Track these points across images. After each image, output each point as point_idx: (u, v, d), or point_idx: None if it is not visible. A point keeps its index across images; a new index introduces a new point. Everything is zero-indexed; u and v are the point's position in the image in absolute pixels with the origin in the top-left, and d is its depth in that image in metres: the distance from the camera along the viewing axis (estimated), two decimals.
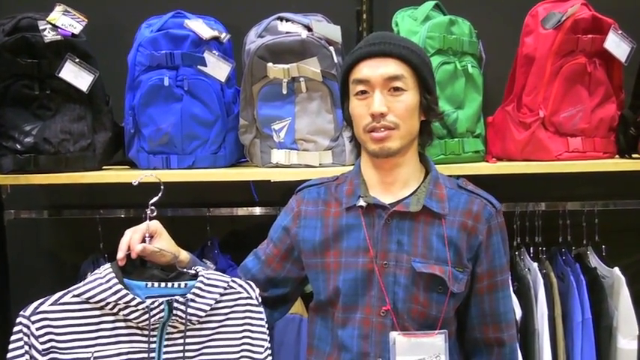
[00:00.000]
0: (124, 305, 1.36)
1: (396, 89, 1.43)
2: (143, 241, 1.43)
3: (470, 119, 1.99)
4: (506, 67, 2.07)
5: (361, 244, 1.47)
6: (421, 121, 1.50)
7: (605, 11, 1.95)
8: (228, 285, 1.45)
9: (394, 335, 1.43)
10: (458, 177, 1.60)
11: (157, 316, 1.37)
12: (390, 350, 1.44)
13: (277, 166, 1.99)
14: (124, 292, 1.36)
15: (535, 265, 2.08)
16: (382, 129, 1.43)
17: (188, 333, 1.41)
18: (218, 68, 1.96)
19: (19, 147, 1.96)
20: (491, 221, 1.49)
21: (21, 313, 1.34)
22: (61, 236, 2.43)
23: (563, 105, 1.95)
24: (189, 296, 1.40)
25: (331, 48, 1.90)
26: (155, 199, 1.47)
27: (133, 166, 2.07)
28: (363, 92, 1.45)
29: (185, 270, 1.45)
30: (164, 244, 1.45)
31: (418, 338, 1.44)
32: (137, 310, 1.37)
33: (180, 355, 1.41)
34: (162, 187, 1.49)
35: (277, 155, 1.99)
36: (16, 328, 1.33)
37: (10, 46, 1.89)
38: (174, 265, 1.45)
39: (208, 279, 1.43)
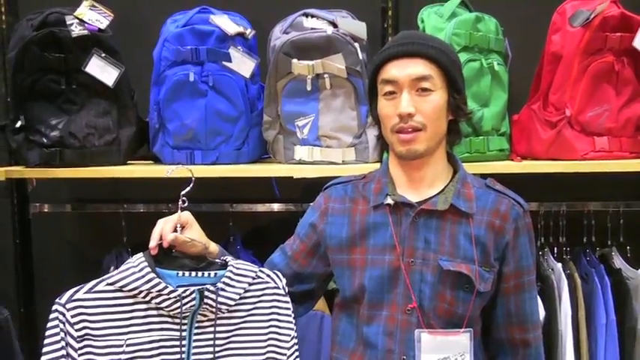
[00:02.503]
0: (157, 293, 1.38)
1: (424, 90, 1.42)
2: (175, 231, 1.44)
3: (495, 117, 1.97)
4: (533, 65, 2.06)
5: (388, 241, 1.48)
6: (449, 120, 1.49)
7: (634, 9, 1.93)
8: (256, 275, 1.47)
9: (420, 333, 1.43)
10: (484, 176, 1.59)
11: (189, 305, 1.40)
12: (415, 347, 1.43)
13: (300, 162, 2.00)
14: (157, 280, 1.38)
15: (559, 265, 2.06)
16: (410, 130, 1.42)
17: (218, 321, 1.43)
18: (243, 64, 1.97)
19: (45, 141, 1.99)
20: (518, 221, 1.48)
21: (57, 300, 1.37)
22: (84, 230, 2.45)
23: (590, 104, 1.93)
24: (220, 285, 1.42)
25: (356, 44, 1.89)
26: (186, 189, 1.48)
27: (157, 161, 2.08)
28: (391, 92, 1.45)
29: (215, 260, 1.47)
30: (195, 234, 1.47)
31: (443, 336, 1.44)
32: (169, 299, 1.39)
33: (211, 342, 1.43)
34: (193, 178, 1.50)
35: (300, 152, 1.99)
36: (52, 316, 1.36)
37: (38, 41, 1.92)
38: (204, 256, 1.48)
39: (237, 269, 1.45)
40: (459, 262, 1.44)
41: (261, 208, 2.30)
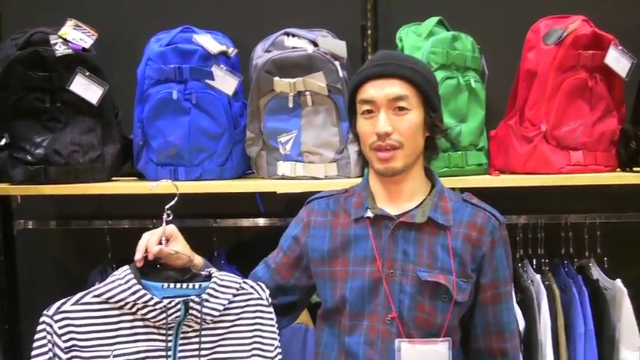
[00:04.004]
0: (142, 305, 1.41)
1: (401, 109, 1.47)
2: (160, 243, 1.47)
3: (473, 133, 2.01)
4: (509, 82, 2.11)
5: (368, 253, 1.51)
6: (426, 137, 1.53)
7: (605, 27, 1.98)
8: (240, 286, 1.51)
9: (399, 342, 1.47)
10: (463, 190, 1.63)
11: (174, 316, 1.42)
12: (396, 357, 1.47)
13: (283, 177, 2.02)
14: (143, 292, 1.41)
15: (538, 276, 2.10)
16: (388, 147, 1.47)
17: (202, 332, 1.46)
18: (225, 82, 1.99)
19: (29, 158, 1.99)
20: (494, 234, 1.52)
21: (44, 312, 1.39)
22: (69, 246, 2.46)
23: (565, 119, 1.98)
24: (204, 296, 1.45)
25: (337, 63, 1.93)
26: (171, 203, 1.51)
27: (142, 177, 2.10)
28: (369, 112, 1.50)
29: (199, 272, 1.50)
30: (180, 247, 1.50)
31: (423, 345, 1.47)
32: (155, 310, 1.41)
33: (196, 352, 1.46)
34: (177, 192, 1.54)
35: (283, 167, 2.02)
36: (39, 327, 1.38)
37: (22, 60, 1.94)
38: (189, 268, 1.50)
39: (222, 280, 1.49)
40: (437, 272, 1.48)
41: (244, 223, 2.32)
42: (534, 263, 2.20)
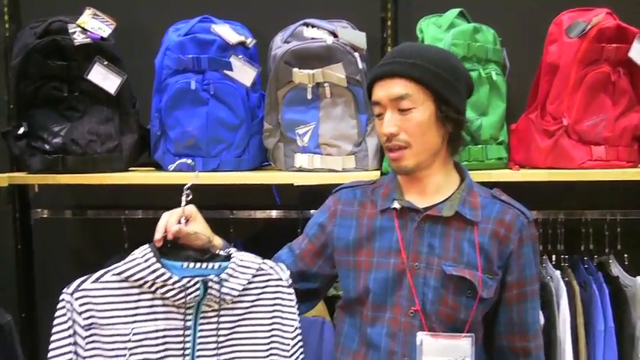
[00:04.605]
0: (162, 284, 1.41)
1: (405, 108, 1.46)
2: (179, 223, 1.47)
3: (493, 126, 1.99)
4: (530, 75, 2.08)
5: (393, 245, 1.50)
6: (448, 129, 1.50)
7: (629, 20, 1.95)
8: (259, 267, 1.50)
9: (421, 335, 1.46)
10: (483, 184, 1.61)
11: (193, 295, 1.42)
12: (417, 350, 1.46)
13: (300, 170, 2.01)
14: (162, 270, 1.41)
15: (557, 273, 2.08)
16: (396, 148, 1.48)
17: (221, 312, 1.46)
18: (244, 73, 1.98)
19: (47, 147, 2.00)
20: (523, 231, 1.50)
21: (64, 290, 1.40)
22: (86, 236, 2.47)
23: (587, 113, 1.95)
24: (223, 276, 1.44)
25: (356, 54, 1.91)
26: (190, 183, 1.51)
27: (159, 168, 2.09)
28: (379, 113, 1.51)
29: (219, 252, 1.50)
30: (199, 227, 1.49)
31: (445, 340, 1.46)
32: (174, 289, 1.41)
33: (214, 332, 1.46)
34: (197, 172, 1.55)
35: (300, 159, 2.01)
36: (59, 305, 1.39)
37: (41, 49, 1.94)
38: (208, 248, 1.50)
39: (241, 260, 1.48)
40: (462, 267, 1.47)
41: (261, 214, 2.31)
42: (553, 259, 2.17)
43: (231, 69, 1.97)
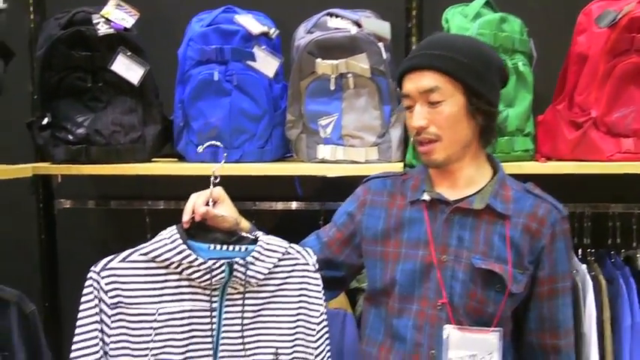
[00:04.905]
0: (187, 265, 1.41)
1: (434, 101, 1.44)
2: (207, 205, 1.47)
3: (520, 117, 1.96)
4: (557, 66, 2.04)
5: (422, 237, 1.49)
6: (479, 122, 1.47)
7: None
8: (286, 251, 1.50)
9: (448, 329, 1.45)
10: (525, 181, 1.58)
11: (218, 277, 1.42)
12: (443, 343, 1.44)
13: (323, 161, 2.00)
14: (188, 252, 1.41)
15: (583, 267, 2.04)
16: (426, 141, 1.46)
17: (247, 295, 1.46)
18: (267, 63, 1.98)
19: (71, 138, 2.01)
20: (556, 227, 1.48)
21: (92, 268, 1.41)
22: (109, 226, 2.48)
23: (616, 105, 1.91)
24: (249, 259, 1.44)
25: (380, 44, 1.89)
26: (218, 165, 1.52)
27: (182, 159, 2.10)
28: (409, 106, 1.49)
29: (246, 235, 1.49)
30: (227, 210, 1.49)
31: (472, 334, 1.45)
32: (199, 271, 1.41)
33: (239, 315, 1.46)
34: (225, 155, 1.60)
35: (323, 151, 1.99)
36: (87, 283, 1.40)
37: (65, 39, 1.95)
38: (236, 231, 1.50)
39: (268, 244, 1.48)
40: (492, 261, 1.45)
41: (283, 206, 2.30)
42: (580, 253, 2.14)
43: (254, 60, 1.96)
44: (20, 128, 2.12)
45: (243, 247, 1.47)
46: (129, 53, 1.98)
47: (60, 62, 1.96)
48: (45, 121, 2.03)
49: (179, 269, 1.42)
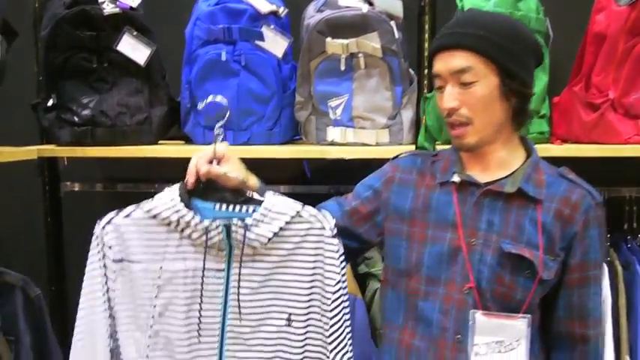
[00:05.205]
0: (185, 224, 1.38)
1: (466, 82, 1.39)
2: (211, 164, 1.42)
3: (535, 99, 1.90)
4: (574, 46, 1.98)
5: (450, 219, 1.45)
6: (512, 103, 1.42)
7: None
8: (297, 213, 1.42)
9: (475, 314, 1.41)
10: (559, 166, 1.54)
11: (215, 239, 1.38)
12: (470, 328, 1.41)
13: (333, 144, 1.96)
14: (185, 211, 1.37)
15: None
16: (457, 124, 1.41)
17: (256, 258, 1.41)
18: (275, 43, 1.94)
19: (76, 119, 1.99)
20: (589, 213, 1.43)
21: (98, 223, 1.41)
22: (115, 209, 2.45)
23: (635, 86, 1.86)
24: (249, 221, 1.39)
25: (392, 23, 1.85)
26: (221, 122, 1.48)
27: (189, 141, 2.06)
28: (440, 86, 1.43)
29: (255, 196, 1.43)
30: (232, 167, 1.43)
31: (500, 319, 1.41)
32: (197, 231, 1.38)
33: (248, 278, 1.41)
34: (229, 110, 1.55)
35: (333, 133, 1.96)
36: (93, 238, 1.41)
37: (69, 19, 1.91)
38: (245, 190, 1.44)
39: (274, 205, 1.41)
40: (522, 246, 1.41)
41: (291, 189, 2.26)
42: None
43: (262, 39, 1.92)
44: (26, 110, 2.10)
45: (251, 208, 1.40)
46: (135, 33, 1.95)
47: (64, 42, 1.93)
48: (50, 102, 2.01)
49: (179, 228, 1.39)
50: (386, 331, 1.54)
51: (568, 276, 1.44)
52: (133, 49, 1.96)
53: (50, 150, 2.05)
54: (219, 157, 1.43)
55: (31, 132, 2.21)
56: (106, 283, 1.39)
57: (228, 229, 1.38)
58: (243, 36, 1.92)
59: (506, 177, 1.44)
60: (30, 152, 2.01)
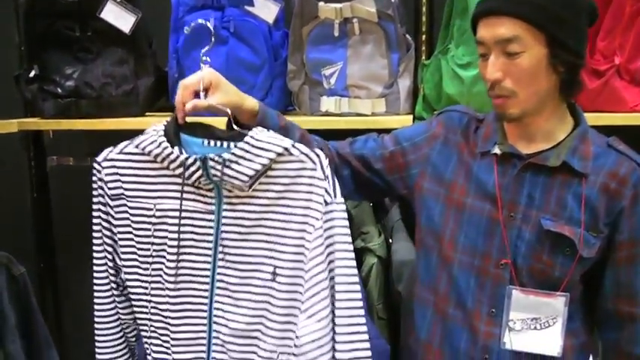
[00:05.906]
0: (165, 159, 1.32)
1: (512, 53, 1.30)
2: (197, 95, 1.32)
3: None
4: None
5: (489, 190, 1.39)
6: (561, 74, 1.33)
7: None
8: (286, 150, 1.29)
9: (511, 289, 1.37)
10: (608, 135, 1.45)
11: (195, 175, 1.31)
12: (505, 304, 1.37)
13: (327, 114, 1.90)
14: (165, 145, 1.31)
15: None
16: (500, 95, 1.33)
17: (244, 200, 1.33)
18: (266, 9, 1.88)
19: (60, 91, 1.93)
20: (638, 187, 1.34)
21: (95, 159, 1.39)
22: None
23: None
24: (227, 156, 1.28)
25: None
26: (207, 47, 1.46)
27: None
28: (483, 54, 1.34)
29: (245, 131, 1.32)
30: (221, 96, 1.33)
31: (537, 297, 1.36)
32: (177, 166, 1.32)
33: (237, 221, 1.34)
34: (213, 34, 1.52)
35: (327, 103, 1.90)
36: (92, 177, 1.39)
37: None
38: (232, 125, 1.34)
39: (258, 141, 1.28)
40: (563, 223, 1.34)
41: None
42: None
43: (252, 4, 1.86)
44: (8, 82, 2.03)
45: (235, 144, 1.30)
46: (119, 0, 1.87)
47: (45, 8, 1.87)
48: (32, 73, 1.95)
49: (164, 164, 1.33)
50: (420, 292, 1.49)
51: (615, 253, 1.37)
52: (117, 16, 1.90)
53: (33, 123, 1.99)
54: (206, 87, 1.32)
55: (15, 105, 2.14)
56: (107, 221, 1.38)
57: (203, 163, 1.29)
58: (232, 1, 1.86)
59: (550, 148, 1.36)
60: (10, 125, 1.94)
